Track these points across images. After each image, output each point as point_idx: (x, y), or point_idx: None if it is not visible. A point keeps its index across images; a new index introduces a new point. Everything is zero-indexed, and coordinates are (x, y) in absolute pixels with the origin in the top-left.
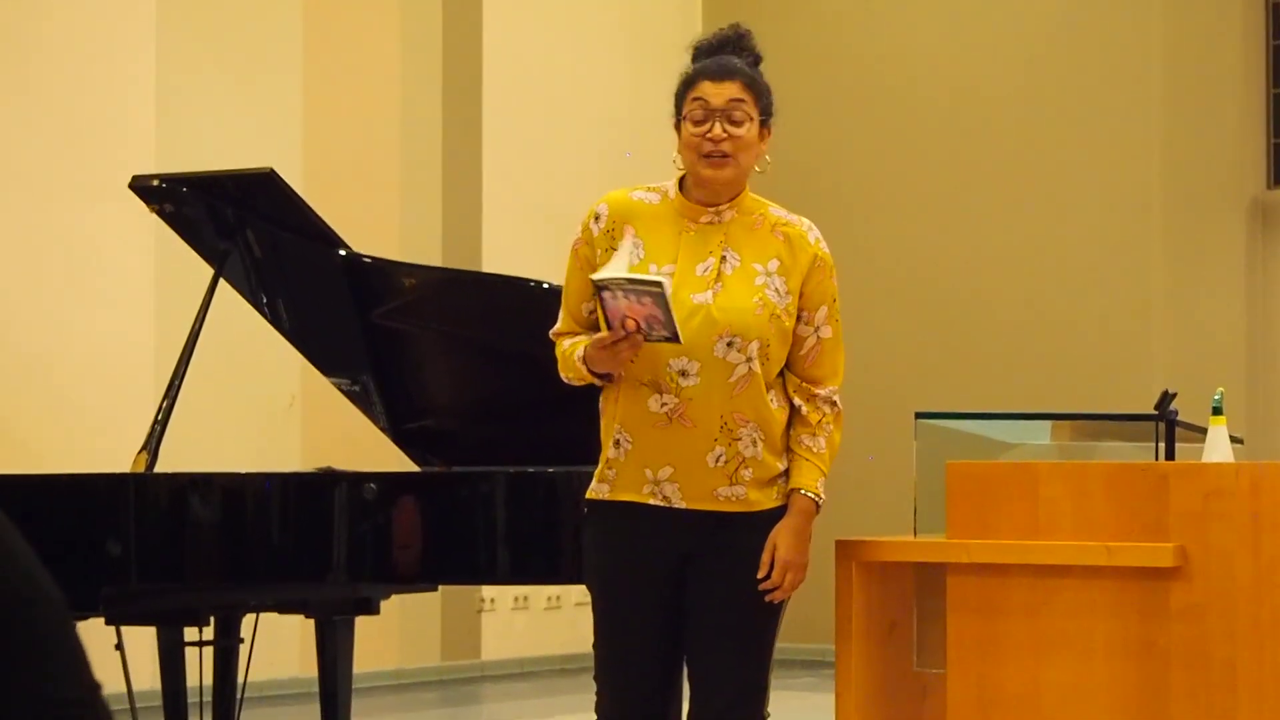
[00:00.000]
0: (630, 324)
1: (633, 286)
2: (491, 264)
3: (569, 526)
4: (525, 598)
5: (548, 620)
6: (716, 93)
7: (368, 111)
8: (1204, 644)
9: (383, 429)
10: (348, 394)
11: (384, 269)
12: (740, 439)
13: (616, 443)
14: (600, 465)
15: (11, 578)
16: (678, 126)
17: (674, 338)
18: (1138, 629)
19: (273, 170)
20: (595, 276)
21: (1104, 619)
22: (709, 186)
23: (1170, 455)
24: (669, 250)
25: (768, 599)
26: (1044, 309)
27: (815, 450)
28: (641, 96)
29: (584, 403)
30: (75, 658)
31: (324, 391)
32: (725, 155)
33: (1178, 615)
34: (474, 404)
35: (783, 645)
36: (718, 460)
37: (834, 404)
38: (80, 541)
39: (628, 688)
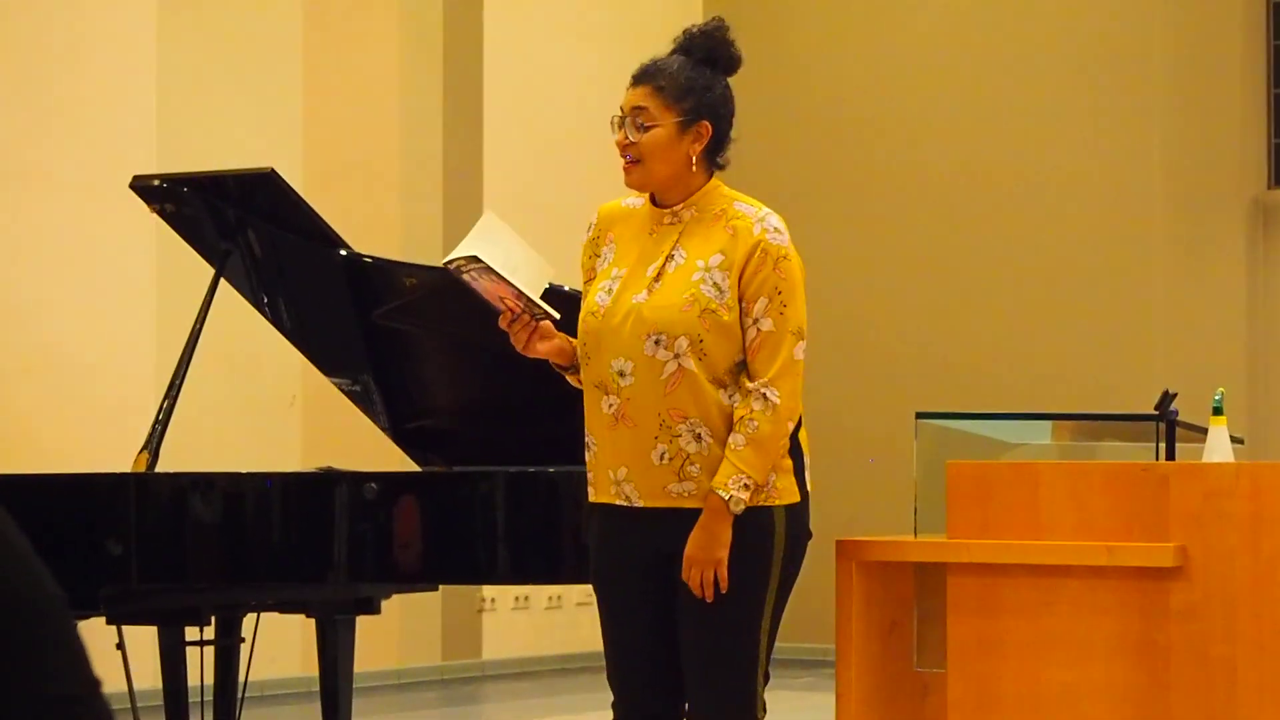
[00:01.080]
0: (511, 304)
1: (470, 265)
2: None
3: (569, 526)
4: (526, 597)
5: (548, 620)
6: (628, 98)
7: (368, 111)
8: (1204, 643)
9: (383, 429)
10: (348, 394)
11: (385, 269)
12: (680, 435)
13: (587, 445)
14: (587, 467)
15: (11, 574)
16: None
17: (547, 313)
18: (1138, 628)
19: (273, 170)
20: (443, 261)
21: (1104, 619)
22: (634, 189)
23: (1171, 455)
24: (633, 254)
25: (697, 595)
26: (1044, 309)
27: (734, 447)
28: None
29: (583, 403)
30: (76, 655)
31: (325, 391)
32: (632, 160)
33: (1178, 615)
34: (474, 404)
35: (783, 645)
36: (662, 458)
37: (765, 398)
38: (81, 541)
39: (628, 688)
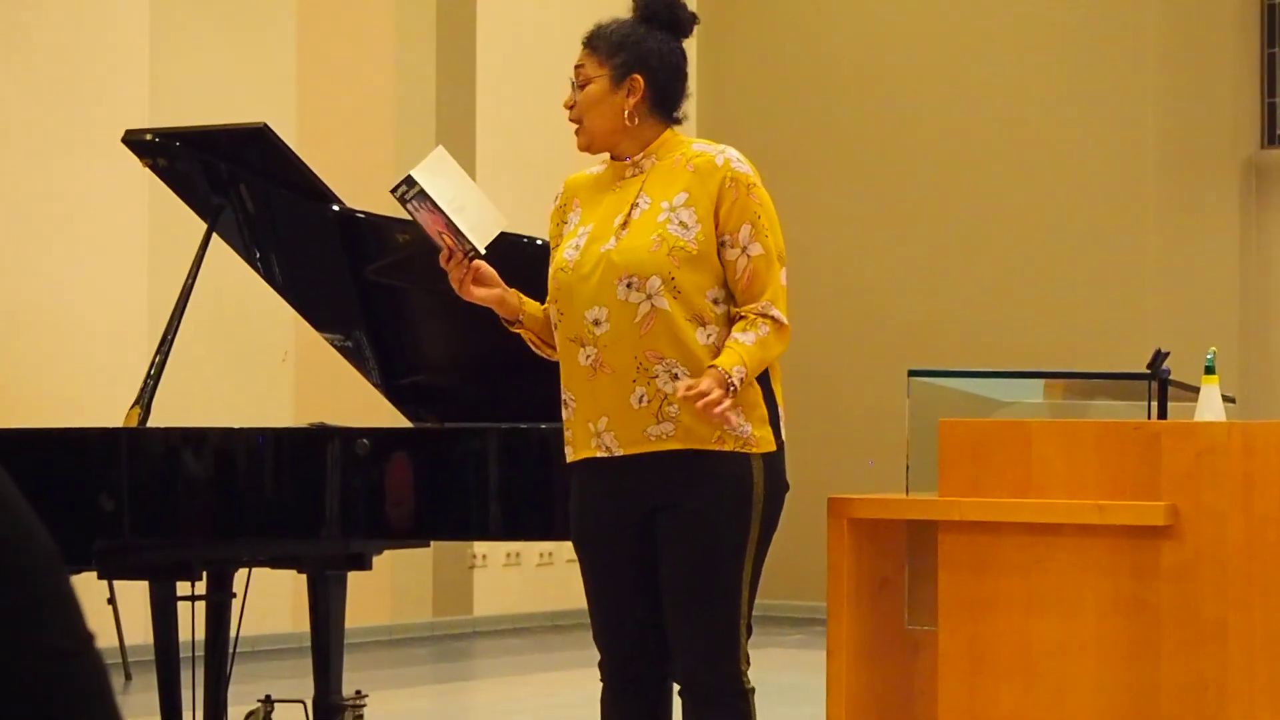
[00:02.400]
0: (447, 240)
1: (410, 191)
2: None
3: (561, 483)
4: (517, 554)
5: (539, 577)
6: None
7: (362, 66)
8: (1195, 602)
9: (376, 385)
10: (341, 350)
11: (378, 225)
12: (657, 376)
13: (565, 403)
14: (564, 426)
15: (2, 529)
16: None
17: (474, 250)
18: (1129, 587)
19: (266, 126)
20: (391, 190)
21: (1095, 577)
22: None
23: (1162, 414)
24: (598, 210)
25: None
26: (1038, 268)
27: (741, 341)
28: None
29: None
30: (69, 609)
31: (317, 347)
32: (577, 121)
33: (1169, 574)
34: (467, 360)
35: (774, 602)
36: (640, 401)
37: (772, 318)
38: (73, 496)
39: (614, 644)
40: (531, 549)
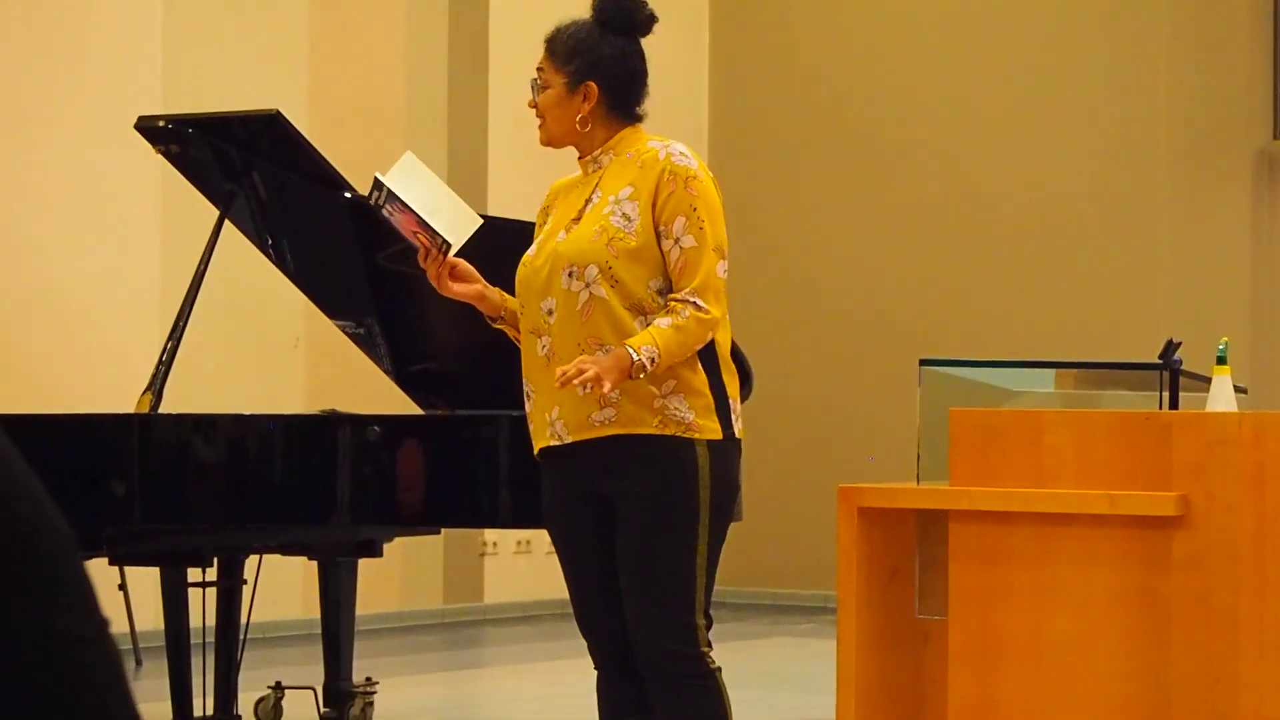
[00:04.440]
0: (423, 239)
1: (380, 193)
2: (497, 207)
3: None
4: (528, 541)
5: (550, 564)
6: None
7: (374, 53)
8: (1206, 593)
9: (387, 372)
10: (352, 336)
11: None
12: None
13: (527, 395)
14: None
15: (19, 511)
16: None
17: (445, 244)
18: (1140, 577)
19: (278, 112)
20: (364, 196)
21: (1106, 567)
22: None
23: (1174, 404)
24: (563, 208)
25: (577, 380)
26: (1049, 257)
27: (658, 325)
28: (649, 40)
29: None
30: (84, 594)
31: (328, 334)
32: (540, 119)
33: (1180, 564)
34: (478, 348)
35: (783, 591)
36: (585, 388)
37: (693, 304)
38: (84, 481)
39: (595, 631)
40: (542, 536)
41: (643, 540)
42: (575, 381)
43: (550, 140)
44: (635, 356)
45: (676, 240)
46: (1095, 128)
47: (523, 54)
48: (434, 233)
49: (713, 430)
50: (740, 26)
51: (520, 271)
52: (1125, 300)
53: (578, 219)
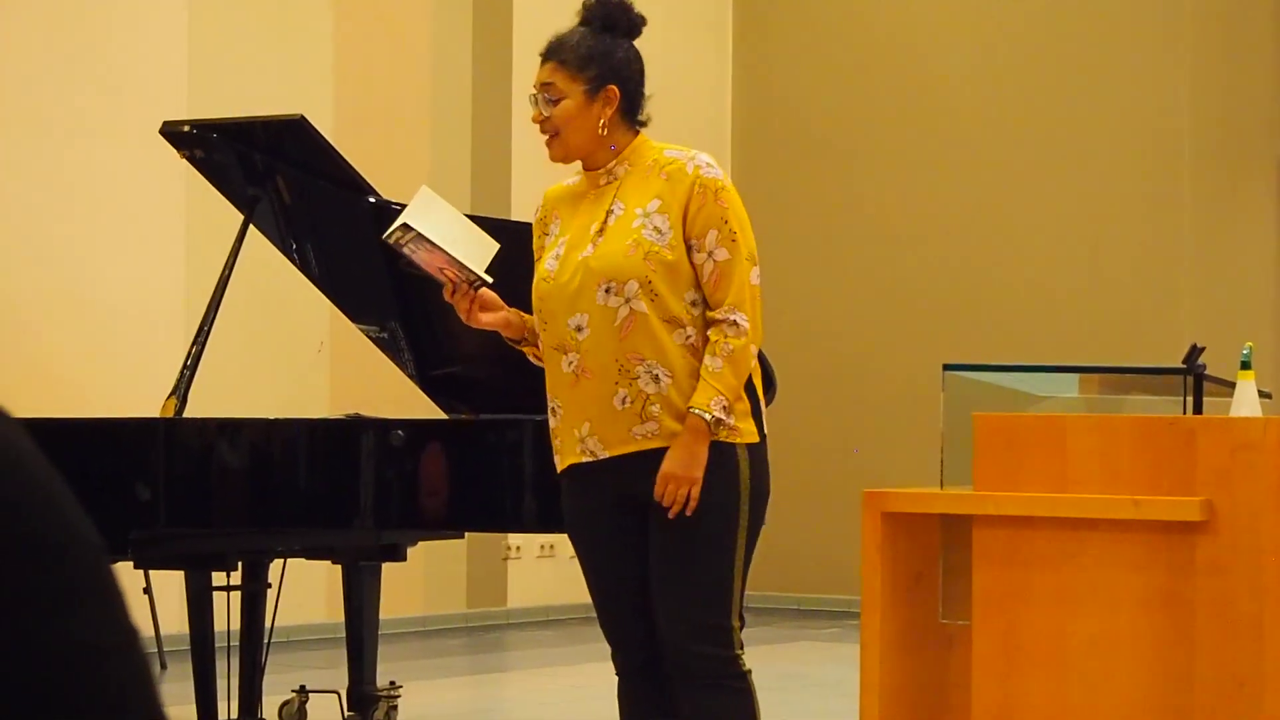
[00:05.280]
0: (450, 274)
1: (405, 235)
2: (521, 211)
3: None
4: (551, 546)
5: (573, 568)
6: (537, 77)
7: (398, 58)
8: (1230, 598)
9: (410, 376)
10: (376, 341)
11: None
12: (639, 377)
13: (552, 410)
14: (551, 436)
15: (41, 518)
16: None
17: (479, 278)
18: (1164, 582)
19: (303, 117)
20: (383, 237)
21: (1130, 572)
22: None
23: (1198, 409)
24: (576, 220)
25: (670, 515)
26: (1073, 262)
27: (712, 370)
28: (669, 41)
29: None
30: (111, 603)
31: (352, 338)
32: (550, 134)
33: (1204, 569)
34: (501, 352)
35: (808, 595)
36: (624, 403)
37: (735, 324)
38: (109, 485)
39: (625, 639)
40: (565, 541)
41: (682, 542)
42: (685, 502)
43: (566, 155)
44: (708, 415)
45: (710, 253)
46: (1119, 132)
47: None
48: (465, 269)
49: (750, 433)
50: (763, 31)
51: (541, 287)
52: (1149, 305)
53: (601, 232)
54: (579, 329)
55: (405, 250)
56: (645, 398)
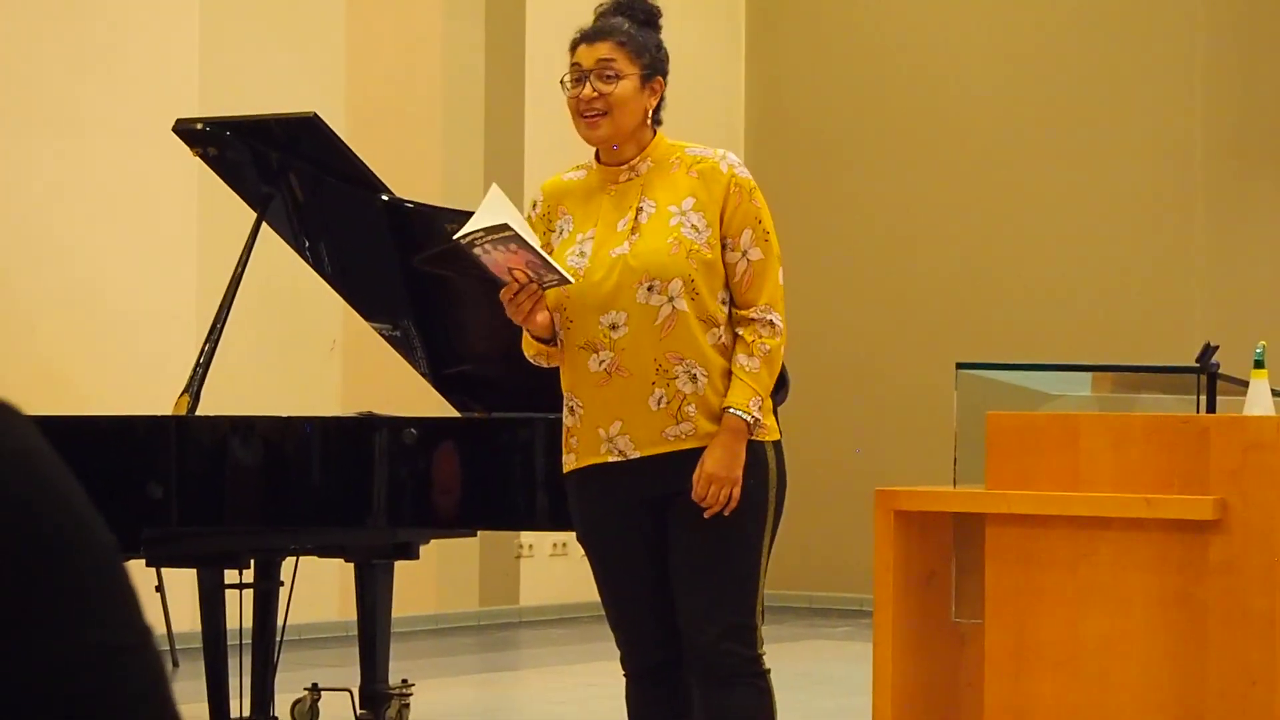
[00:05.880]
0: (519, 275)
1: (489, 237)
2: None
3: None
4: (564, 544)
5: (586, 567)
6: (588, 54)
7: (411, 55)
8: (1243, 597)
9: (423, 374)
10: (388, 339)
11: (426, 214)
12: (677, 377)
13: (570, 409)
14: (564, 435)
15: (53, 519)
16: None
17: (564, 279)
18: (1177, 581)
19: (316, 115)
20: (455, 236)
21: (1143, 571)
22: (595, 144)
23: (1211, 408)
24: (594, 217)
25: (706, 515)
26: (1086, 260)
27: (749, 370)
28: (684, 38)
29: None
30: (124, 602)
31: (365, 336)
32: (598, 113)
33: (1217, 568)
34: (514, 350)
35: (820, 594)
36: (659, 403)
37: (770, 323)
38: (122, 483)
39: (639, 640)
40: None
41: (714, 541)
42: (726, 501)
43: (616, 134)
44: (747, 416)
45: (744, 253)
46: (1131, 129)
47: (559, 55)
48: (551, 270)
49: (775, 430)
50: (776, 27)
51: (569, 287)
52: (1162, 303)
53: (635, 230)
54: (614, 326)
55: (476, 250)
56: (682, 398)
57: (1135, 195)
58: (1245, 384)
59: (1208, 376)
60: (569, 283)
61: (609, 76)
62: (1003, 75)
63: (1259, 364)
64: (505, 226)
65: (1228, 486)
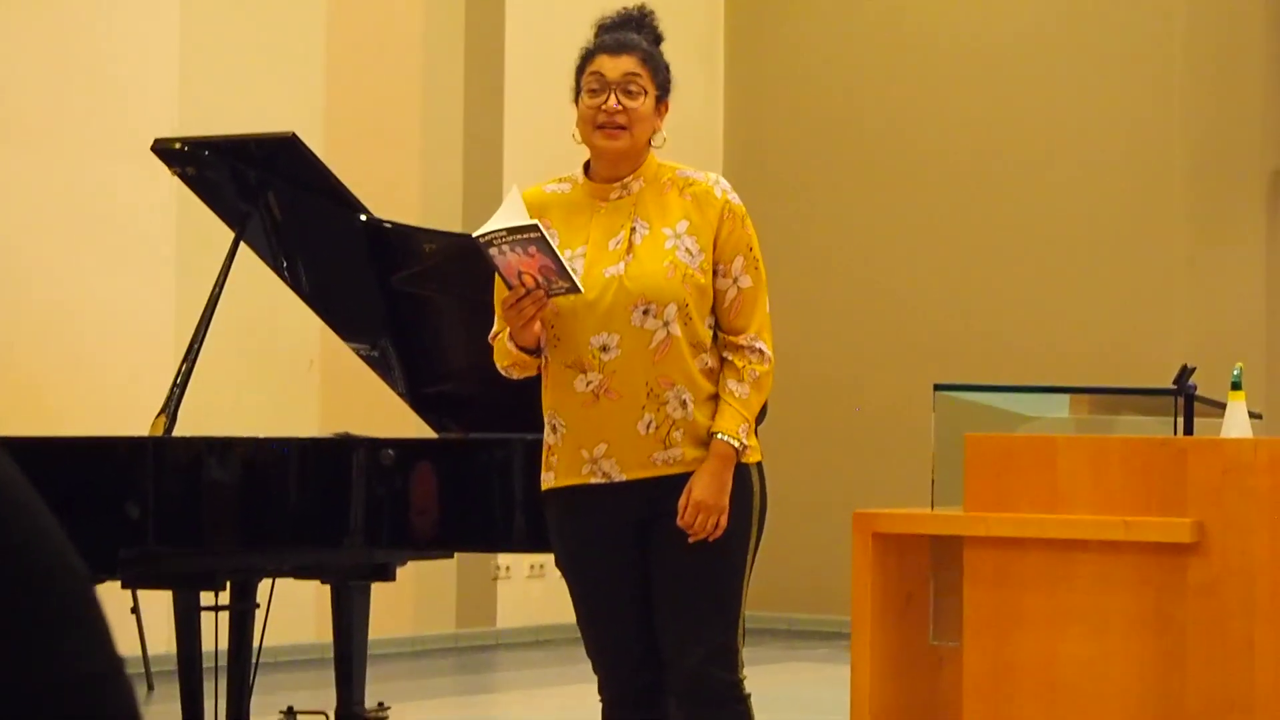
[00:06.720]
0: (528, 279)
1: (512, 236)
2: None
3: None
4: (541, 565)
5: (563, 588)
6: (613, 66)
7: (390, 75)
8: (1221, 619)
9: (401, 394)
10: (366, 359)
11: (404, 234)
12: (667, 402)
13: (553, 428)
14: (544, 453)
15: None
16: (576, 101)
17: (574, 287)
18: (1155, 603)
19: (295, 135)
20: (475, 233)
21: (1121, 593)
22: (605, 158)
23: (1189, 430)
24: (583, 233)
25: (690, 540)
26: (1064, 281)
27: (739, 396)
28: None
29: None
30: (97, 632)
31: (343, 356)
32: (620, 127)
33: (1195, 590)
34: (492, 371)
35: (798, 616)
36: (648, 427)
37: (759, 351)
38: (98, 504)
39: (617, 664)
40: (555, 560)
41: (699, 564)
42: (713, 528)
43: (632, 149)
44: (735, 441)
45: (735, 280)
46: (1110, 151)
47: (538, 76)
48: (565, 278)
49: (757, 451)
50: (755, 50)
51: (561, 302)
52: (1140, 325)
53: (629, 251)
54: (605, 348)
55: (491, 250)
56: (671, 423)
57: (1113, 218)
58: (1223, 406)
59: (1185, 399)
60: (578, 292)
61: (633, 91)
62: (980, 98)
63: (1236, 386)
64: (534, 227)
65: (1206, 509)
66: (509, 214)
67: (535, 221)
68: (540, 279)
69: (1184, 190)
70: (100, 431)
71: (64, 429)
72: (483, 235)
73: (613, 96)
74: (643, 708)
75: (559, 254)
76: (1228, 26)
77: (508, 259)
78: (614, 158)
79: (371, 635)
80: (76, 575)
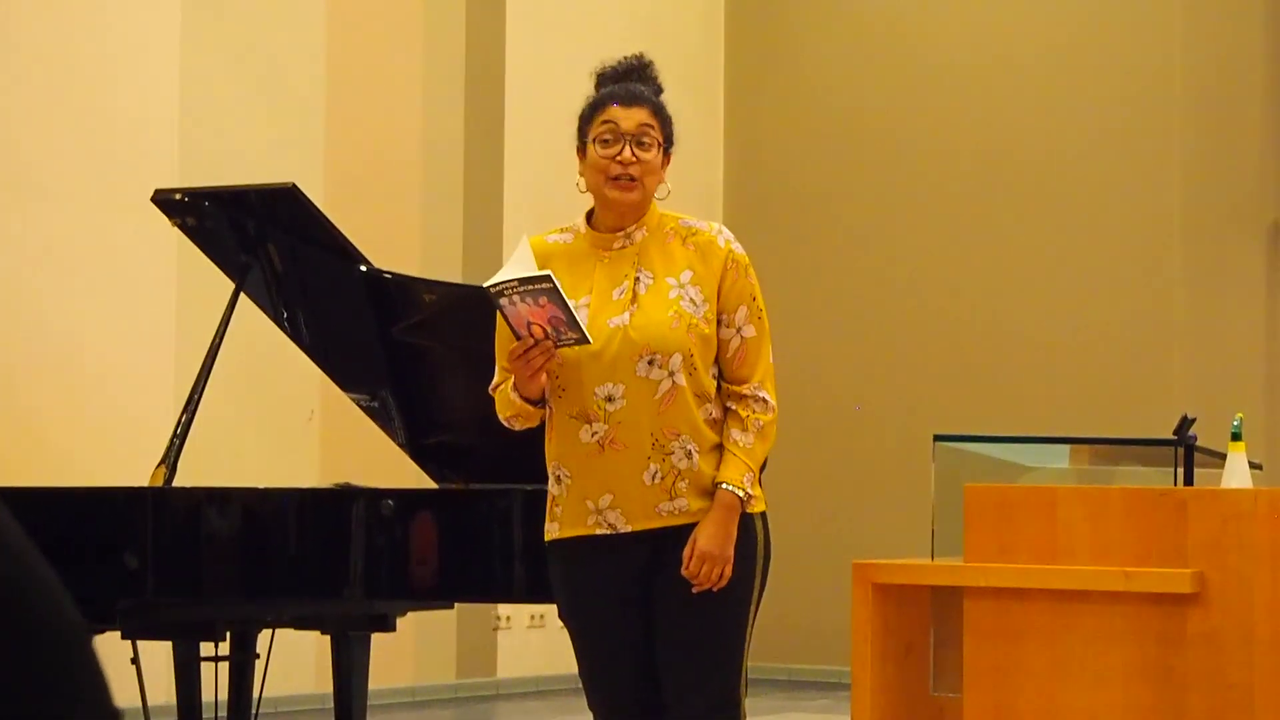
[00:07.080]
0: (537, 330)
1: (524, 287)
2: None
3: None
4: (541, 616)
5: (563, 638)
6: (626, 117)
7: (390, 126)
8: (1222, 669)
9: (401, 445)
10: (366, 409)
11: (404, 285)
12: (673, 453)
13: (557, 479)
14: (548, 504)
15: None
16: (581, 150)
17: (583, 338)
18: (1156, 654)
19: (294, 185)
20: (486, 284)
21: (1122, 644)
22: (615, 209)
23: (1189, 480)
24: (586, 283)
25: (695, 590)
26: (1063, 331)
27: (743, 445)
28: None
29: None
30: (95, 685)
31: (343, 407)
32: (633, 179)
33: (1196, 641)
34: (492, 421)
35: (798, 666)
36: (654, 478)
37: (763, 400)
38: (97, 554)
39: (619, 714)
40: (555, 611)
41: (704, 615)
42: (718, 579)
43: (644, 201)
44: (740, 491)
45: (739, 329)
46: (1109, 201)
47: (538, 126)
48: (574, 329)
49: (762, 501)
50: (754, 95)
51: (565, 353)
52: (1140, 376)
53: (634, 301)
54: (610, 399)
55: (502, 300)
56: (676, 473)
57: (1113, 267)
58: (1223, 456)
59: (1185, 449)
60: (587, 343)
61: (646, 143)
62: (981, 142)
63: (1236, 436)
64: (547, 278)
65: (1206, 559)
66: (519, 264)
67: (548, 272)
68: (549, 329)
69: (1184, 241)
70: (101, 480)
71: (65, 477)
72: (494, 285)
73: (628, 148)
74: None
75: (569, 304)
76: (1226, 77)
77: (518, 309)
78: (624, 209)
79: (372, 685)
80: (73, 626)
